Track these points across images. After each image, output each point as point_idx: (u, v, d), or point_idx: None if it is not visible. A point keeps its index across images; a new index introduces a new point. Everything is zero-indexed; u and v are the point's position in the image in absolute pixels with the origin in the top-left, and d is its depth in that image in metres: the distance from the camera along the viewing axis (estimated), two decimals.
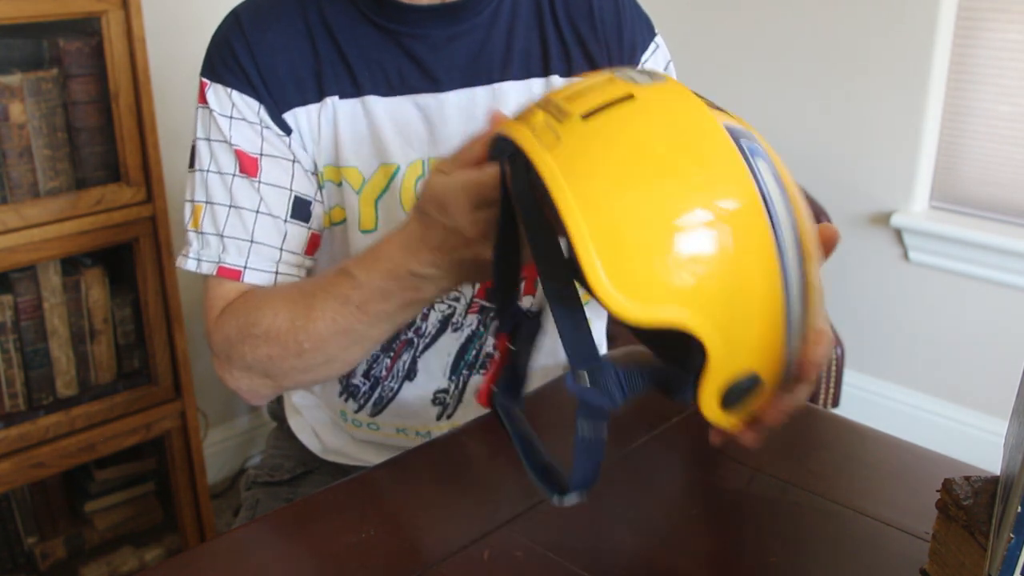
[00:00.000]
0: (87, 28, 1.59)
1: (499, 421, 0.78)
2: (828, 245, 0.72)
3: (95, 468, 1.83)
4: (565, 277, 0.63)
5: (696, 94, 0.67)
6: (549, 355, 1.08)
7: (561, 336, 0.64)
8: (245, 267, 0.95)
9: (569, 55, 1.02)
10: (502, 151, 0.69)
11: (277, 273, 0.95)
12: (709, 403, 0.64)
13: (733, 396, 0.64)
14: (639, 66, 1.05)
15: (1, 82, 1.50)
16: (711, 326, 0.61)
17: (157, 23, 1.79)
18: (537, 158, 0.62)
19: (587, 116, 0.63)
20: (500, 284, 0.75)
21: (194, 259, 0.96)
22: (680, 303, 0.60)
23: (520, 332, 0.78)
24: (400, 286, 0.80)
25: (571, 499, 0.68)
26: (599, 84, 0.66)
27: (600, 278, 0.59)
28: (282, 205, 0.95)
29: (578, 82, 0.68)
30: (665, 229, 0.60)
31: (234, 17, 0.97)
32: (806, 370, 0.67)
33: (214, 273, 0.95)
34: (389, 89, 0.97)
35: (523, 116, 0.67)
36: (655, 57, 1.07)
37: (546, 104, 0.66)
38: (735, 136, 0.64)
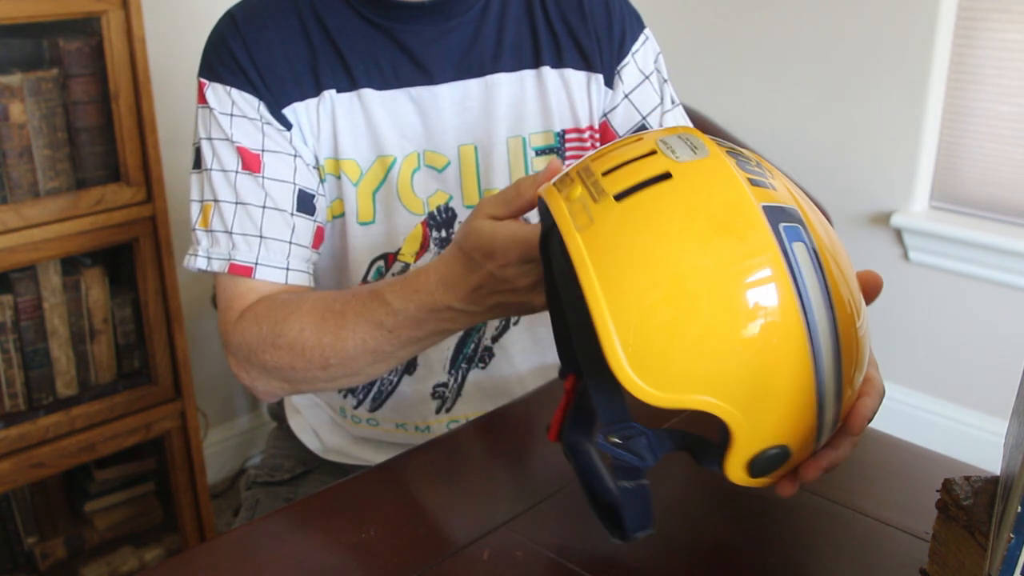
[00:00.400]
0: (87, 28, 1.59)
1: (568, 459, 0.79)
2: (871, 292, 0.70)
3: (95, 468, 1.83)
4: (598, 348, 0.62)
5: (738, 167, 0.64)
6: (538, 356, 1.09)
7: (595, 402, 0.67)
8: (256, 263, 0.95)
9: (559, 46, 1.03)
10: (546, 215, 0.69)
11: (288, 269, 0.96)
12: (736, 472, 0.65)
13: (760, 466, 0.64)
14: (628, 56, 1.06)
15: (1, 82, 1.50)
16: (736, 409, 0.61)
17: (157, 23, 1.79)
18: (570, 241, 0.62)
19: (621, 197, 0.62)
20: (560, 330, 0.77)
21: (204, 257, 0.96)
22: (703, 391, 0.60)
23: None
24: (436, 318, 0.83)
25: (634, 538, 0.70)
26: (639, 155, 0.64)
27: (623, 367, 0.59)
28: (287, 199, 0.96)
29: (621, 147, 0.66)
30: (690, 321, 0.60)
31: (229, 17, 0.98)
32: (853, 423, 0.66)
33: (225, 271, 0.95)
34: (383, 82, 0.98)
35: (563, 184, 0.67)
36: (644, 49, 1.07)
37: (586, 175, 0.65)
38: (773, 218, 0.62)
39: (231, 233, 0.95)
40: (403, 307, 0.83)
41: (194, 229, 0.97)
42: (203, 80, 0.97)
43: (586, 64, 1.04)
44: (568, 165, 0.70)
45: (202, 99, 0.97)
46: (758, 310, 0.60)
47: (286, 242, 0.96)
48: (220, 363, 2.12)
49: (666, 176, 0.62)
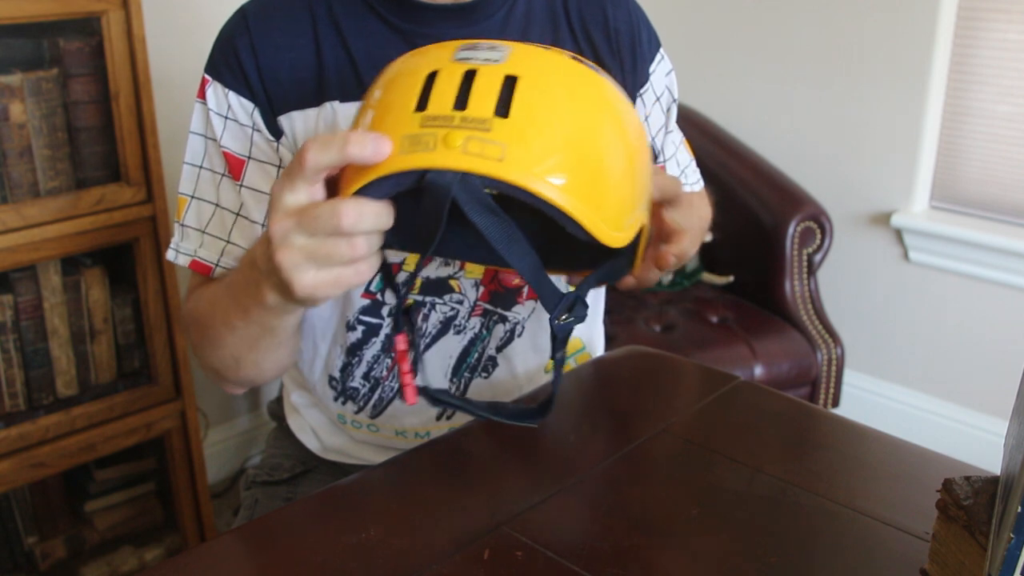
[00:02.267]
0: (87, 28, 1.59)
1: (436, 404, 0.86)
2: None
3: (95, 468, 1.83)
4: (530, 252, 0.71)
5: (540, 47, 0.74)
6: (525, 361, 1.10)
7: (542, 300, 0.74)
8: (216, 264, 0.97)
9: None
10: (435, 182, 0.66)
11: None
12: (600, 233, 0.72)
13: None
14: (648, 82, 1.05)
15: (1, 82, 1.50)
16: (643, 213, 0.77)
17: (157, 23, 1.79)
18: (521, 181, 0.66)
19: (502, 114, 0.67)
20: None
21: (173, 249, 1.00)
22: (637, 210, 0.75)
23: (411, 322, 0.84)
24: (249, 278, 0.78)
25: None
26: (462, 80, 0.68)
27: (607, 233, 0.70)
28: (260, 210, 0.96)
29: (441, 84, 0.68)
30: (623, 167, 0.72)
31: (240, 14, 0.97)
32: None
33: (187, 264, 0.98)
34: None
35: (431, 142, 0.66)
36: (660, 68, 1.06)
37: (449, 122, 0.66)
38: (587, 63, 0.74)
39: (204, 232, 0.98)
40: (243, 261, 0.81)
41: (175, 221, 1.00)
42: (207, 76, 0.97)
43: None
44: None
45: (202, 94, 0.97)
46: (640, 131, 0.76)
47: None
48: None
49: (514, 79, 0.68)
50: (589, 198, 0.68)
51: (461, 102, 0.67)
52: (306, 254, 0.68)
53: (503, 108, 0.67)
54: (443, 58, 0.70)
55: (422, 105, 0.67)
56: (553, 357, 0.80)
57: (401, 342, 0.79)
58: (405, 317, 0.84)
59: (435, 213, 0.66)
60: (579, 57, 0.74)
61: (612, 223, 0.71)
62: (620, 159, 0.72)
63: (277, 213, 0.69)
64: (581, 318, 0.77)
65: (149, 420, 1.76)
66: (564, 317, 0.76)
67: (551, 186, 0.67)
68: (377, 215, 0.67)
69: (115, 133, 1.61)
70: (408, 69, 0.71)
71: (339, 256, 0.68)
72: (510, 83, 0.68)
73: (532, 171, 0.66)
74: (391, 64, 0.75)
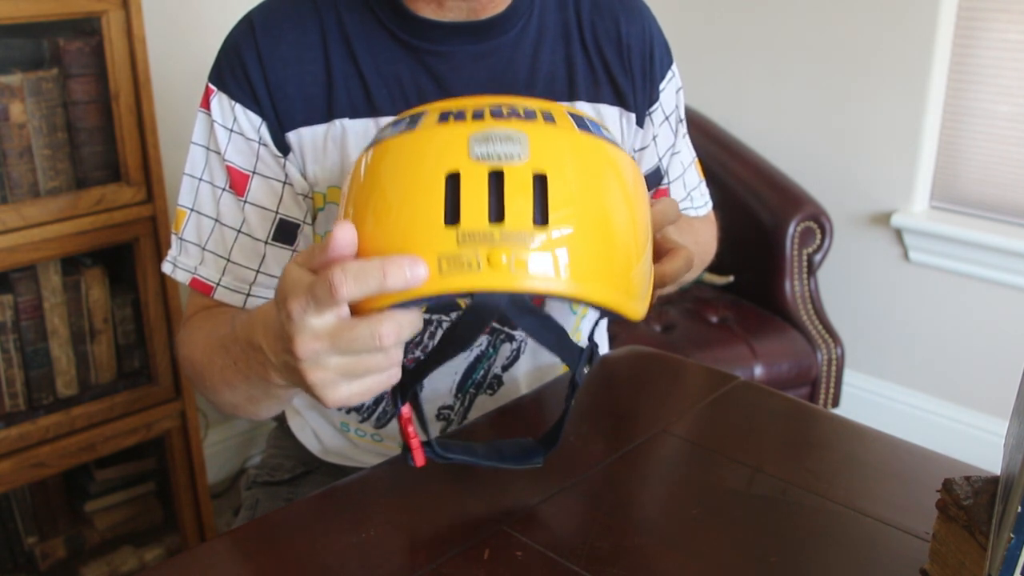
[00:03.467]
0: (87, 28, 1.59)
1: (444, 462, 0.79)
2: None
3: (95, 468, 1.83)
4: (555, 326, 0.73)
5: (548, 123, 0.70)
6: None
7: (566, 361, 0.75)
8: (218, 284, 0.94)
9: (596, 80, 0.99)
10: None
11: (249, 295, 0.95)
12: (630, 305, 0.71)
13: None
14: (658, 101, 1.04)
15: (1, 82, 1.50)
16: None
17: (157, 23, 1.79)
18: (569, 293, 0.65)
19: (540, 222, 0.64)
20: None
21: (170, 263, 0.96)
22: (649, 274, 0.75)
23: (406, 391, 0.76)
24: (253, 359, 0.74)
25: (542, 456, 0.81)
26: (502, 183, 0.64)
27: (634, 310, 0.70)
28: (264, 228, 0.94)
29: (468, 193, 0.63)
30: (642, 241, 0.71)
31: (247, 23, 0.94)
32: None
33: (187, 282, 0.95)
34: (406, 106, 0.93)
35: (474, 262, 0.63)
36: (670, 85, 1.05)
37: (490, 239, 0.62)
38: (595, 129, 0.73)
39: (203, 248, 0.94)
40: (240, 335, 0.76)
41: (172, 233, 0.97)
42: (211, 86, 0.94)
43: (620, 101, 1.00)
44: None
45: (206, 104, 0.94)
46: (642, 189, 0.74)
47: (253, 270, 0.94)
48: None
49: (543, 178, 0.65)
50: (619, 285, 0.68)
51: (497, 213, 0.62)
52: (341, 372, 0.65)
53: (540, 215, 0.63)
54: (458, 153, 0.64)
55: (453, 217, 0.62)
56: (567, 407, 0.79)
57: (406, 411, 0.74)
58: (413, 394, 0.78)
59: (478, 327, 0.66)
60: (583, 118, 0.71)
61: (636, 297, 0.70)
62: (640, 234, 0.71)
63: (303, 335, 0.63)
64: (597, 363, 0.79)
65: (149, 420, 1.76)
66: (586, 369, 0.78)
67: (594, 289, 0.66)
68: (412, 325, 0.64)
69: (115, 133, 1.61)
70: (421, 169, 0.65)
71: (376, 369, 0.65)
72: (540, 184, 0.64)
73: (575, 281, 0.65)
74: (387, 150, 0.68)
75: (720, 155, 2.39)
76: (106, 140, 1.62)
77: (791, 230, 2.24)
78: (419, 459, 0.75)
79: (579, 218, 0.65)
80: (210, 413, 2.15)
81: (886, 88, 2.29)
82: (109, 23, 1.55)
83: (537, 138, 0.66)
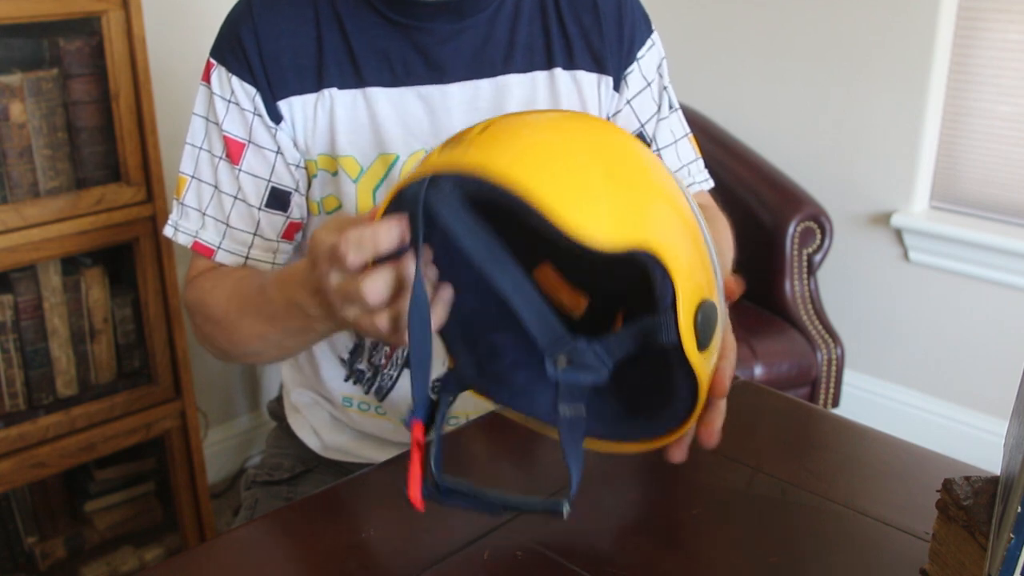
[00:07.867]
0: (87, 28, 1.59)
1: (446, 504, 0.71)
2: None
3: (95, 468, 1.83)
4: (516, 269, 0.63)
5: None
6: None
7: (527, 327, 0.67)
8: (219, 247, 1.00)
9: (571, 48, 1.03)
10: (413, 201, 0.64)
11: (248, 258, 1.01)
12: (688, 336, 0.63)
13: (702, 326, 0.64)
14: (634, 63, 1.06)
15: (1, 82, 1.50)
16: (670, 252, 0.62)
17: (157, 23, 1.79)
18: (484, 167, 0.61)
19: (483, 131, 0.65)
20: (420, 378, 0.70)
21: (171, 227, 1.02)
22: (652, 236, 0.62)
23: (435, 418, 0.72)
24: (296, 313, 0.82)
25: (566, 503, 0.68)
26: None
27: (589, 217, 0.60)
28: (257, 195, 0.99)
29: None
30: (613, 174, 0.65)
31: (247, 2, 0.99)
32: (717, 387, 0.70)
33: (189, 245, 1.01)
34: (393, 79, 0.99)
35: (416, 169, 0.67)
36: (650, 54, 1.07)
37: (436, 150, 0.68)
38: None
39: (204, 214, 1.01)
40: (276, 297, 0.85)
41: (173, 198, 1.03)
42: (212, 60, 0.99)
43: (598, 66, 1.04)
44: None
45: (206, 77, 0.99)
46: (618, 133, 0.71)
47: (250, 233, 1.01)
48: (220, 363, 2.12)
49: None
50: (564, 190, 0.61)
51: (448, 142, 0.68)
52: (367, 309, 0.70)
53: (482, 128, 0.67)
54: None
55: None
56: (557, 416, 0.70)
57: (417, 431, 0.68)
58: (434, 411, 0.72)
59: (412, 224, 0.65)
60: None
61: (616, 223, 0.61)
62: (595, 157, 0.65)
63: (333, 291, 0.71)
64: (598, 378, 0.68)
65: (149, 420, 1.76)
66: (564, 362, 0.68)
67: (512, 169, 0.61)
68: (388, 228, 0.67)
69: (115, 133, 1.61)
70: None
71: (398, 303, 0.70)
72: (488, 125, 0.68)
73: (493, 159, 0.62)
74: None
75: (720, 155, 2.38)
76: (106, 140, 1.62)
77: (791, 230, 2.24)
78: (416, 499, 0.67)
79: (520, 127, 0.68)
80: (210, 413, 2.15)
81: (886, 88, 2.29)
82: (109, 23, 1.55)
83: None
